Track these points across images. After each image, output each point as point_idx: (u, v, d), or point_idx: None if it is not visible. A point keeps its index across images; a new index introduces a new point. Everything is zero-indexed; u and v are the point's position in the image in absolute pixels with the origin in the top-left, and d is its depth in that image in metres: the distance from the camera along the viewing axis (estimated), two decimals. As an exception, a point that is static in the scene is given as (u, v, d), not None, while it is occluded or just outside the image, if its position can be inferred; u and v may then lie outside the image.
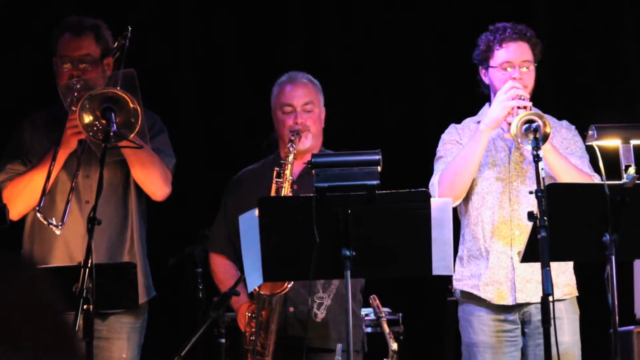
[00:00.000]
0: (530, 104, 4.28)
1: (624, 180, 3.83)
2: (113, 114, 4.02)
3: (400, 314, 5.69)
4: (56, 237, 4.30)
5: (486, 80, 4.46)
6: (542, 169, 3.85)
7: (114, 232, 4.40)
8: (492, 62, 4.41)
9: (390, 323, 5.07)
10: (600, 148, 4.01)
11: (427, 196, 3.74)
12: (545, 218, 3.72)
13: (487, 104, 4.51)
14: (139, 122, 4.06)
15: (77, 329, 3.69)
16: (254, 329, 4.37)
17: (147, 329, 4.50)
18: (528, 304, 4.37)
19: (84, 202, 4.35)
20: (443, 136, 4.55)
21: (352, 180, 3.67)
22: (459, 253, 4.47)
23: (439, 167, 4.45)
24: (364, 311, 4.85)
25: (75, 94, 4.19)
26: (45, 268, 4.01)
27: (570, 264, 4.46)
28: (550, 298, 3.69)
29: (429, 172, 4.47)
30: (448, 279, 4.60)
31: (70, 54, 4.33)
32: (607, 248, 3.81)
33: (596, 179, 4.28)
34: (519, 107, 4.25)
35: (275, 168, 4.43)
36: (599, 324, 4.68)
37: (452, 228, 3.74)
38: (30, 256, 4.12)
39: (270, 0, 6.63)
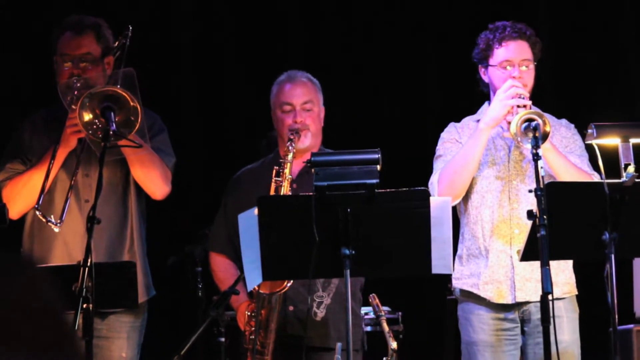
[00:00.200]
0: (529, 102, 4.28)
1: (624, 178, 3.83)
2: (112, 113, 4.02)
3: (400, 313, 5.70)
4: (56, 236, 4.30)
5: (486, 79, 4.46)
6: (542, 167, 3.85)
7: (114, 231, 4.40)
8: (491, 61, 4.41)
9: (390, 322, 5.08)
10: (599, 146, 4.01)
11: (427, 195, 3.74)
12: (545, 217, 3.72)
13: (486, 103, 4.51)
14: (139, 121, 4.06)
15: (76, 328, 3.69)
16: (253, 328, 4.37)
17: (147, 328, 4.50)
18: (527, 302, 4.37)
19: (84, 201, 4.35)
20: (442, 135, 4.56)
21: (351, 179, 3.67)
22: (459, 252, 4.47)
23: (438, 166, 4.45)
24: (363, 310, 4.85)
25: (75, 92, 4.19)
26: (44, 267, 4.02)
27: (570, 262, 4.46)
28: (550, 297, 3.69)
29: (429, 171, 4.47)
30: (447, 278, 4.60)
31: (71, 53, 4.34)
32: (606, 246, 3.81)
33: (596, 178, 4.28)
34: (518, 106, 4.25)
35: (275, 167, 4.43)
36: (598, 322, 4.68)
37: (452, 227, 3.74)
38: (30, 255, 4.12)
39: (270, 0, 6.64)
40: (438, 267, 3.72)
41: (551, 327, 3.70)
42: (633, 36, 6.45)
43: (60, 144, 4.23)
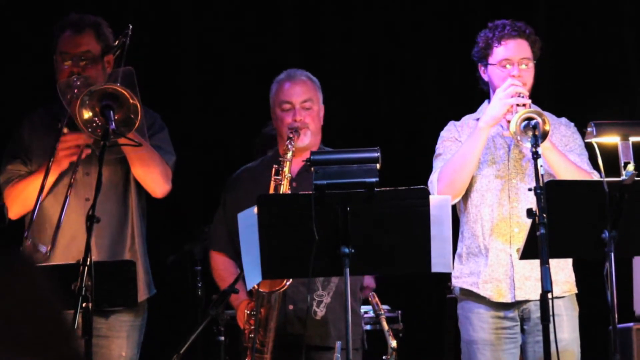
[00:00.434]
0: (529, 101, 4.27)
1: (623, 177, 3.82)
2: (112, 112, 4.01)
3: (400, 312, 5.70)
4: (57, 235, 4.30)
5: (485, 77, 4.46)
6: (541, 166, 3.85)
7: (115, 229, 4.40)
8: (491, 60, 4.41)
9: (390, 320, 5.08)
10: (599, 145, 4.01)
11: (426, 194, 3.73)
12: (545, 215, 3.72)
13: (486, 101, 4.51)
14: (139, 119, 4.06)
15: (75, 327, 3.69)
16: (253, 327, 4.37)
17: (146, 326, 4.50)
18: (527, 301, 4.37)
19: (84, 199, 4.34)
20: (442, 133, 4.55)
21: (351, 178, 3.66)
22: (458, 250, 4.47)
23: (438, 164, 4.45)
24: (363, 309, 4.85)
25: (75, 90, 4.19)
26: (43, 266, 4.02)
27: (570, 261, 4.46)
28: (550, 295, 3.68)
29: (428, 170, 4.47)
30: (447, 277, 4.60)
31: (71, 51, 4.34)
32: (606, 245, 3.81)
33: (595, 176, 4.28)
34: (518, 105, 4.25)
35: (274, 165, 4.43)
36: (598, 321, 4.68)
37: (451, 225, 3.74)
38: (28, 254, 4.11)
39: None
40: (438, 265, 3.72)
41: (551, 325, 3.70)
42: (633, 35, 6.45)
43: (53, 164, 4.23)
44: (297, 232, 3.71)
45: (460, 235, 4.48)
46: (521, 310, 4.40)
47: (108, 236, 4.37)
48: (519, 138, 4.15)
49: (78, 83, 4.22)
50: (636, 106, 6.31)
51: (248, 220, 3.73)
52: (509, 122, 4.20)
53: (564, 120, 4.55)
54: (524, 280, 4.35)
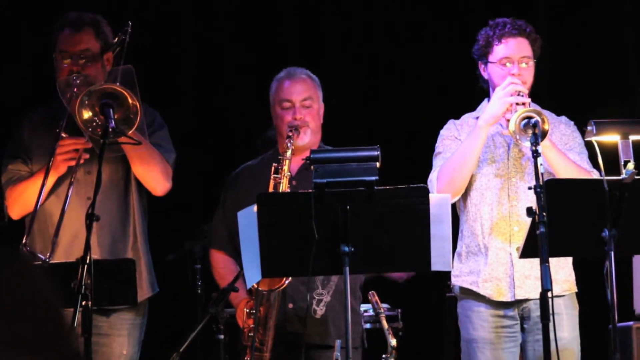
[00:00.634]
0: (529, 100, 4.27)
1: (623, 175, 3.82)
2: (111, 110, 4.01)
3: (399, 310, 5.70)
4: (58, 234, 4.29)
5: (485, 75, 4.46)
6: (541, 164, 3.85)
7: (117, 228, 4.40)
8: (491, 58, 4.40)
9: (389, 319, 5.08)
10: (599, 144, 4.00)
11: (426, 192, 3.73)
12: (544, 214, 3.72)
13: (485, 100, 4.50)
14: (138, 118, 4.05)
15: (75, 325, 3.69)
16: (252, 325, 4.36)
17: (146, 325, 4.50)
18: (527, 300, 4.36)
19: (86, 198, 4.34)
20: (442, 132, 4.55)
21: (350, 176, 3.66)
22: (458, 249, 4.47)
23: (437, 163, 4.45)
24: (363, 307, 4.85)
25: (75, 89, 4.18)
26: (43, 264, 4.01)
27: (570, 259, 4.46)
28: (550, 294, 3.68)
29: (428, 168, 4.47)
30: (447, 275, 4.59)
31: (70, 50, 4.33)
32: (606, 244, 3.80)
33: (595, 175, 4.28)
34: (517, 104, 4.25)
35: (273, 164, 4.42)
36: (598, 319, 4.68)
37: (451, 224, 3.74)
38: (26, 252, 4.11)
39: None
40: (437, 264, 3.72)
41: (551, 324, 3.70)
42: (633, 35, 6.45)
43: (51, 168, 4.23)
44: (296, 231, 3.71)
45: (459, 234, 4.48)
46: (521, 309, 4.39)
47: (110, 235, 4.37)
48: (518, 137, 4.14)
49: (77, 82, 4.21)
50: (636, 106, 6.30)
51: (248, 218, 3.73)
52: (508, 120, 4.20)
53: (563, 118, 4.55)
54: (523, 279, 4.35)
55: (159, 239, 4.93)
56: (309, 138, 4.53)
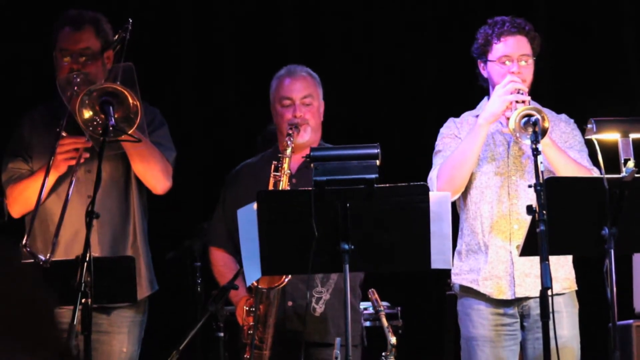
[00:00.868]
0: (528, 98, 4.27)
1: (623, 173, 3.82)
2: (111, 108, 4.01)
3: (399, 308, 5.70)
4: (58, 232, 4.30)
5: (485, 74, 4.46)
6: (541, 162, 3.85)
7: (117, 226, 4.40)
8: (490, 56, 4.41)
9: (389, 317, 5.08)
10: (599, 142, 4.00)
11: (426, 190, 3.73)
12: (544, 212, 3.72)
13: (485, 98, 4.50)
14: (139, 117, 4.05)
15: (75, 322, 3.69)
16: (252, 323, 4.36)
17: (146, 322, 4.50)
18: (527, 298, 4.36)
19: (87, 196, 4.34)
20: (442, 130, 4.55)
21: (350, 174, 3.66)
22: (458, 247, 4.47)
23: (437, 161, 4.45)
24: (362, 305, 4.85)
25: (75, 87, 4.18)
26: (43, 265, 4.02)
27: (570, 257, 4.46)
28: (549, 292, 3.68)
29: (428, 166, 4.47)
30: (447, 273, 4.59)
31: (70, 48, 4.33)
32: (606, 242, 3.81)
33: (595, 173, 4.28)
34: (517, 102, 4.25)
35: (273, 162, 4.42)
36: (598, 317, 4.68)
37: (451, 222, 3.74)
38: (26, 252, 4.10)
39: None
40: (437, 262, 3.72)
41: (550, 322, 3.70)
42: (633, 35, 6.45)
43: (52, 167, 4.23)
44: (296, 229, 3.71)
45: (459, 232, 4.48)
46: (521, 307, 4.39)
47: (110, 233, 4.37)
48: (518, 135, 4.14)
49: (78, 80, 4.21)
50: (636, 106, 6.31)
51: (247, 216, 3.73)
52: (508, 118, 4.20)
53: (563, 116, 4.55)
54: (523, 277, 4.35)
55: (159, 236, 4.93)
56: (309, 136, 4.53)
